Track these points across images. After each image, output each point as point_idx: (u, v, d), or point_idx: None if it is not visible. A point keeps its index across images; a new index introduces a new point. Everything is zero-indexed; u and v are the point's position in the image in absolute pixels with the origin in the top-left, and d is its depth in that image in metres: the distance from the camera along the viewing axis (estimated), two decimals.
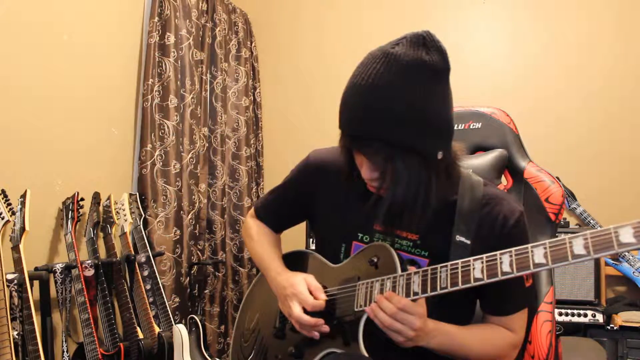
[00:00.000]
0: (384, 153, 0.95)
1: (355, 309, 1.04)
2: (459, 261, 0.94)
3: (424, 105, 0.92)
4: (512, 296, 1.09)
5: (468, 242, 1.04)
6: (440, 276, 0.95)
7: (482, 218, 1.06)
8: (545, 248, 0.85)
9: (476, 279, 0.90)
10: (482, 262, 0.91)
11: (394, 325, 0.95)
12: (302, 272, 1.18)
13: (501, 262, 0.89)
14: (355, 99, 0.95)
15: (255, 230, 1.35)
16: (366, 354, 0.99)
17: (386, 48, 0.94)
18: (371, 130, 0.94)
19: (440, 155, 0.97)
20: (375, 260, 1.06)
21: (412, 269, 1.00)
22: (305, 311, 1.09)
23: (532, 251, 0.86)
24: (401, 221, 1.03)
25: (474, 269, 0.91)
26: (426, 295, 0.95)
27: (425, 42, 0.93)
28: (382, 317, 0.96)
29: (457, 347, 1.03)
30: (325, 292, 1.13)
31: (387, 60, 0.92)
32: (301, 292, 1.10)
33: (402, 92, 0.91)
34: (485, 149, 1.44)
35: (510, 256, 0.88)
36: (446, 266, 0.95)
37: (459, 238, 1.04)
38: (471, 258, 0.93)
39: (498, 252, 0.90)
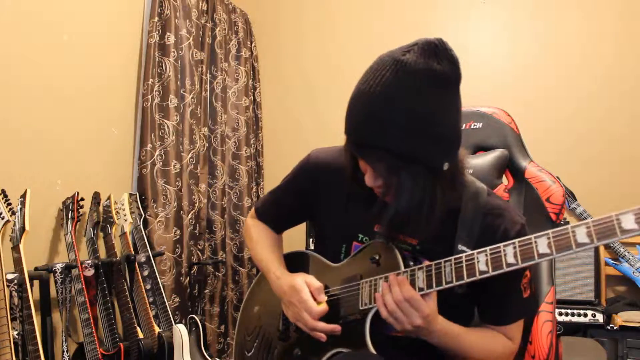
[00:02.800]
0: (387, 163, 0.93)
1: (361, 307, 1.04)
2: (463, 255, 0.94)
3: (432, 116, 0.91)
4: (511, 307, 1.09)
5: (469, 251, 1.03)
6: (444, 271, 0.95)
7: (483, 228, 1.05)
8: (548, 238, 0.85)
9: (481, 272, 0.91)
10: (487, 255, 0.91)
11: (395, 312, 0.95)
12: (303, 273, 1.17)
13: (505, 254, 0.89)
14: (362, 106, 0.93)
15: (255, 231, 1.34)
16: (374, 352, 0.99)
17: (396, 55, 0.91)
18: (376, 139, 0.92)
19: (445, 166, 0.95)
20: (377, 257, 1.06)
21: (426, 262, 1.00)
22: None
23: (535, 242, 0.86)
24: (404, 229, 1.03)
25: (478, 261, 0.91)
26: (431, 290, 0.95)
27: (437, 51, 0.90)
28: (388, 300, 0.96)
29: (456, 347, 1.04)
30: (328, 292, 1.13)
31: (397, 68, 0.89)
32: (306, 300, 1.09)
33: (410, 103, 0.89)
34: (486, 148, 1.44)
35: (515, 247, 0.88)
36: (450, 260, 0.95)
37: (461, 247, 1.03)
38: (475, 251, 0.93)
39: (502, 244, 0.90)
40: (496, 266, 0.89)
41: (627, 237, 0.79)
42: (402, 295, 0.94)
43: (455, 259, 0.94)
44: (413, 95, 0.89)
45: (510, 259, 0.88)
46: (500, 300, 1.07)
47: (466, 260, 0.93)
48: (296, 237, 1.88)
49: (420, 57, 0.89)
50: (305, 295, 1.09)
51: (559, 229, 0.84)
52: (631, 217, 0.78)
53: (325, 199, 1.21)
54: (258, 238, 1.33)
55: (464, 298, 1.07)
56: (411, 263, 1.02)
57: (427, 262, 0.99)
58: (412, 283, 0.97)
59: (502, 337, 1.09)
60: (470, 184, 1.10)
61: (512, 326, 1.10)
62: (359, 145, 0.97)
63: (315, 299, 1.10)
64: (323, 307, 1.08)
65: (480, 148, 1.44)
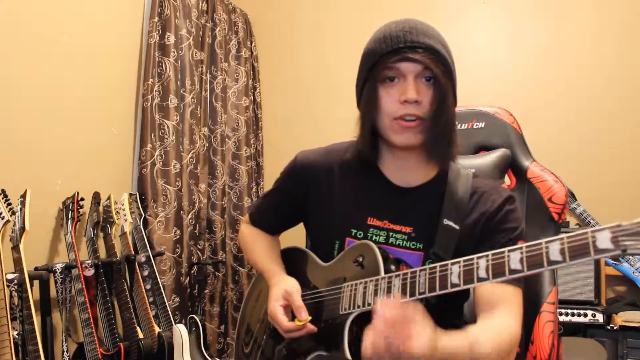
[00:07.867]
0: (434, 63, 1.01)
1: (340, 312, 1.03)
2: (437, 265, 0.91)
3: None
4: None
5: (457, 227, 1.04)
6: (419, 281, 0.92)
7: (472, 205, 1.07)
8: (521, 253, 0.81)
9: (453, 285, 0.87)
10: (460, 267, 0.88)
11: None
12: (291, 279, 1.16)
13: (477, 267, 0.85)
14: (395, 26, 1.05)
15: (248, 238, 1.35)
16: (350, 358, 0.97)
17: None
18: (430, 42, 1.02)
19: (453, 104, 1.05)
20: (361, 259, 1.05)
21: (406, 268, 0.98)
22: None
23: (508, 256, 0.82)
24: (400, 215, 1.04)
25: (451, 273, 0.88)
26: (406, 300, 0.92)
27: None
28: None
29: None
30: (315, 292, 1.13)
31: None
32: (276, 315, 1.09)
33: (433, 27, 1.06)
34: (488, 148, 1.44)
35: (487, 261, 0.85)
36: (425, 270, 0.92)
37: (446, 222, 1.04)
38: (449, 262, 0.90)
39: (475, 256, 0.86)
40: (467, 279, 0.86)
41: (602, 257, 0.74)
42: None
43: (430, 268, 0.91)
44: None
45: (482, 273, 0.84)
46: None
47: (440, 271, 0.90)
48: (296, 238, 1.87)
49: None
50: (279, 312, 1.09)
51: (532, 243, 0.80)
52: (607, 235, 0.72)
53: (315, 198, 1.21)
54: (251, 244, 1.33)
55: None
56: (392, 267, 1.00)
57: (406, 270, 0.95)
58: (389, 291, 0.94)
59: (502, 320, 0.99)
60: (456, 169, 1.13)
61: (510, 291, 1.01)
62: (407, 47, 1.02)
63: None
64: (293, 324, 1.07)
65: (483, 147, 1.44)
